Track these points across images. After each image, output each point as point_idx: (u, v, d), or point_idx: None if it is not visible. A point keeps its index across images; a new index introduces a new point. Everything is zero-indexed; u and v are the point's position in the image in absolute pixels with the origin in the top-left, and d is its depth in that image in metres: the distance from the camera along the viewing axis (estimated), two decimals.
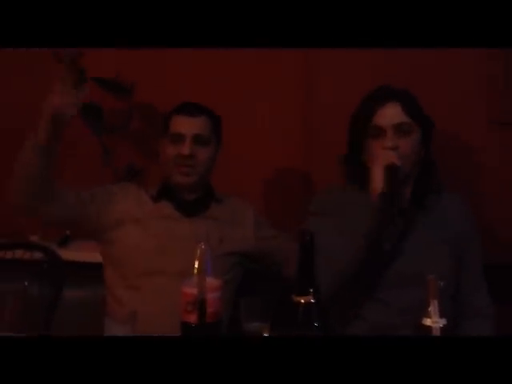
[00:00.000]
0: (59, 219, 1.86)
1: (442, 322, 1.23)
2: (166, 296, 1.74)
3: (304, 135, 2.30)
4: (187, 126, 1.88)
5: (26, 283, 2.02)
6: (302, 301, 1.27)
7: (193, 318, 1.33)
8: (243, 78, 2.32)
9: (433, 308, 1.22)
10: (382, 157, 1.63)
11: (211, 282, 1.35)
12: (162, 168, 1.96)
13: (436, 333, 1.22)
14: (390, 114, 1.66)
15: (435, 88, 2.13)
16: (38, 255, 2.11)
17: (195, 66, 2.35)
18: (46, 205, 1.78)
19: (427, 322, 1.23)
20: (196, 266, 1.35)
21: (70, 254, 2.23)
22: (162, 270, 1.81)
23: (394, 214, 1.65)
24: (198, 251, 1.36)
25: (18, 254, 2.12)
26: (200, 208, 1.92)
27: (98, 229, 1.89)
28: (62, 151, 2.44)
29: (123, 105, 2.39)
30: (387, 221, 1.64)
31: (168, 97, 2.17)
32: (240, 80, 2.32)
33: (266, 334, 1.40)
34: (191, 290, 1.33)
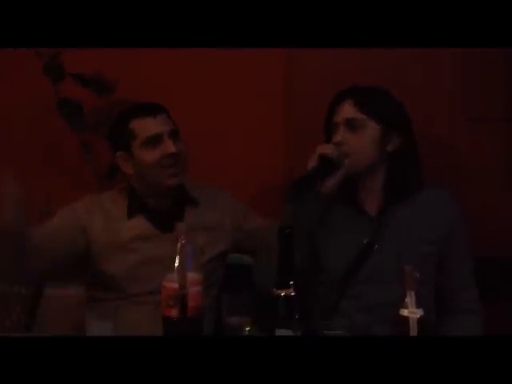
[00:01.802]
0: (39, 263, 1.72)
1: (418, 313, 1.24)
2: (149, 306, 1.71)
3: (285, 132, 2.31)
4: (159, 124, 1.77)
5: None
6: (283, 294, 1.29)
7: (174, 313, 1.34)
8: (224, 76, 2.33)
9: (409, 299, 1.24)
10: (319, 148, 1.68)
11: (192, 276, 1.36)
12: (135, 179, 1.83)
13: (413, 323, 1.23)
14: (343, 111, 1.71)
15: (412, 84, 2.15)
16: None
17: (177, 65, 2.35)
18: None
19: (404, 312, 1.25)
20: (177, 260, 1.37)
21: None
22: (144, 291, 1.76)
23: (312, 199, 1.68)
24: (179, 245, 1.37)
25: None
26: (176, 219, 1.75)
27: (84, 253, 1.80)
28: (43, 148, 2.47)
29: (104, 102, 2.38)
30: (305, 206, 1.68)
31: (150, 95, 2.17)
32: (221, 78, 2.33)
33: (247, 328, 1.41)
34: (172, 284, 1.34)
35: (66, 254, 1.78)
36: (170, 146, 1.76)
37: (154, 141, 1.77)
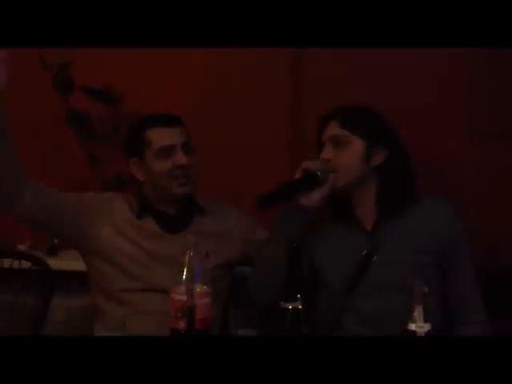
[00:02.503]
0: (32, 215, 1.79)
1: (426, 327, 1.25)
2: (154, 316, 1.73)
3: (292, 136, 2.32)
4: (174, 136, 1.84)
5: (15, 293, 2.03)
6: (290, 307, 1.29)
7: (182, 325, 1.34)
8: (230, 82, 2.34)
9: (417, 313, 1.24)
10: (304, 163, 1.74)
11: (200, 288, 1.37)
12: (146, 185, 1.89)
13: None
14: (329, 130, 1.78)
15: (420, 98, 2.16)
16: (26, 264, 2.12)
17: (182, 75, 2.37)
18: (17, 191, 1.73)
19: (412, 327, 1.25)
20: (185, 273, 1.37)
21: (58, 262, 2.23)
22: (146, 288, 1.80)
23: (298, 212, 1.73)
24: (187, 258, 1.38)
25: (7, 263, 2.12)
26: (184, 223, 1.88)
27: (79, 237, 1.86)
28: (49, 159, 2.49)
29: (113, 114, 2.40)
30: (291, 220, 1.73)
31: (157, 106, 2.19)
32: (227, 84, 2.34)
33: None
34: (180, 296, 1.35)
35: (66, 218, 1.85)
36: (181, 158, 1.83)
37: (167, 151, 1.83)
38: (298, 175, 1.73)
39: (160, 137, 1.84)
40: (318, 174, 1.71)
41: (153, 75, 2.39)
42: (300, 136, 2.30)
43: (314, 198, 1.71)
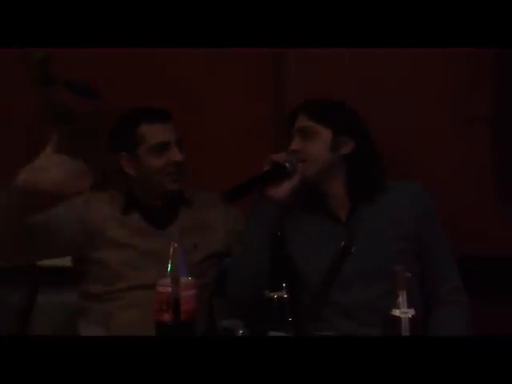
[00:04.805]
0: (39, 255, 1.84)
1: (410, 313, 1.26)
2: (140, 308, 1.75)
3: (274, 133, 2.32)
4: (168, 132, 1.84)
5: None
6: (275, 296, 1.30)
7: (167, 317, 1.35)
8: (213, 80, 2.34)
9: (401, 299, 1.25)
10: (271, 156, 1.76)
11: (185, 280, 1.37)
12: (135, 180, 1.88)
13: (405, 323, 1.25)
14: (297, 123, 1.81)
15: (404, 85, 2.18)
16: None
17: (168, 69, 2.36)
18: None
19: (396, 312, 1.26)
20: (169, 265, 1.37)
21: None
22: (135, 284, 1.80)
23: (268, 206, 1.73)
24: (171, 250, 1.38)
25: None
26: (170, 216, 1.88)
27: (70, 247, 1.86)
28: (31, 153, 2.46)
29: (95, 108, 2.38)
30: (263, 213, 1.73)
31: (142, 100, 2.19)
32: (209, 81, 2.33)
33: (240, 331, 1.42)
34: (165, 288, 1.35)
35: (64, 240, 1.83)
36: (176, 154, 1.83)
37: (162, 148, 1.83)
38: (265, 168, 1.74)
39: (154, 133, 1.83)
40: (287, 165, 1.73)
41: (134, 70, 2.38)
42: (282, 132, 2.31)
43: (283, 189, 1.73)
